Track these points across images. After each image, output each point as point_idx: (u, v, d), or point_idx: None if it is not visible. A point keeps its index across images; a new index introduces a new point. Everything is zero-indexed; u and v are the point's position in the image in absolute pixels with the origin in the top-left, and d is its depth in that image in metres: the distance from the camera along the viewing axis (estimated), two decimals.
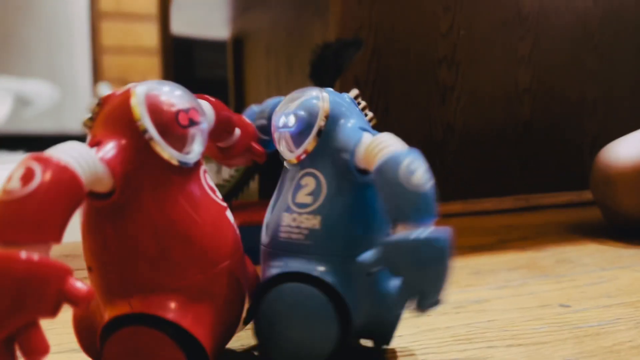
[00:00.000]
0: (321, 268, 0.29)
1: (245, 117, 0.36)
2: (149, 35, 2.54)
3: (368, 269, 0.27)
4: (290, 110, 0.31)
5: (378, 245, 0.27)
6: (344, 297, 0.29)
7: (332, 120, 0.30)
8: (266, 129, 0.36)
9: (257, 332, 0.31)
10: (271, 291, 0.30)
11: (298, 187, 0.31)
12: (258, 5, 1.03)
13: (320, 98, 0.31)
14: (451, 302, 0.43)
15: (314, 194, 0.30)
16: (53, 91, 1.88)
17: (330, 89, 0.32)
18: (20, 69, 2.32)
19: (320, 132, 0.30)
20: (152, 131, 0.26)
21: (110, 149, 0.25)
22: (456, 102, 0.84)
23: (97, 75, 2.52)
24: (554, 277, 0.50)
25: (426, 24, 0.81)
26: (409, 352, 0.34)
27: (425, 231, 0.26)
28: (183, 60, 2.25)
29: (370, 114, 0.32)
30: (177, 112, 0.27)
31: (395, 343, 0.35)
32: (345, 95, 0.32)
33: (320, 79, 0.63)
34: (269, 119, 0.35)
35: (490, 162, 0.87)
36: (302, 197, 0.30)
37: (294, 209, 0.30)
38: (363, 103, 0.33)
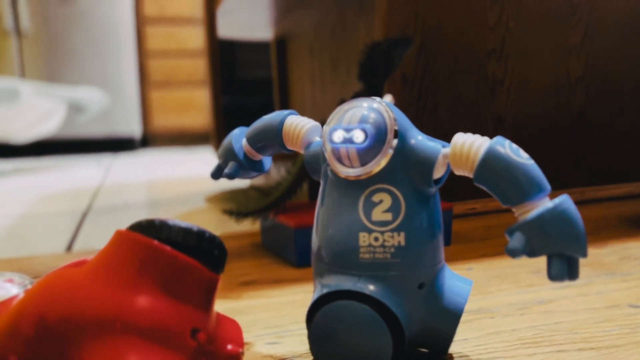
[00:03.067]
0: (371, 286, 0.30)
1: (235, 139, 0.36)
2: (193, 38, 2.58)
3: (518, 255, 0.27)
4: (351, 125, 0.30)
5: (516, 230, 0.27)
6: (394, 311, 0.29)
7: (402, 134, 0.30)
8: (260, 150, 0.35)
9: (313, 350, 0.31)
10: (323, 309, 0.30)
11: (371, 204, 0.30)
12: (301, 6, 1.04)
13: (382, 111, 0.30)
14: (514, 303, 0.43)
15: (393, 210, 0.30)
16: (102, 97, 1.93)
17: (378, 99, 0.31)
18: (72, 76, 2.40)
19: (393, 147, 0.30)
20: None
21: None
22: (506, 95, 0.82)
23: (143, 79, 2.58)
24: (619, 276, 0.49)
25: (474, 17, 0.80)
26: (476, 357, 0.34)
27: (556, 199, 0.26)
28: (227, 61, 2.27)
29: None
30: None
31: (460, 347, 0.35)
32: (383, 101, 0.31)
33: (369, 80, 0.62)
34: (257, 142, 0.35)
35: (543, 155, 0.85)
36: (380, 214, 0.30)
37: (374, 227, 0.30)
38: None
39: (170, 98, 2.62)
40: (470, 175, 0.29)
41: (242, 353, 0.29)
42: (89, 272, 0.27)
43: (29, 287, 0.32)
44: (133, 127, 2.51)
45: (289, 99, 1.26)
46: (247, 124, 0.36)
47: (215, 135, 1.19)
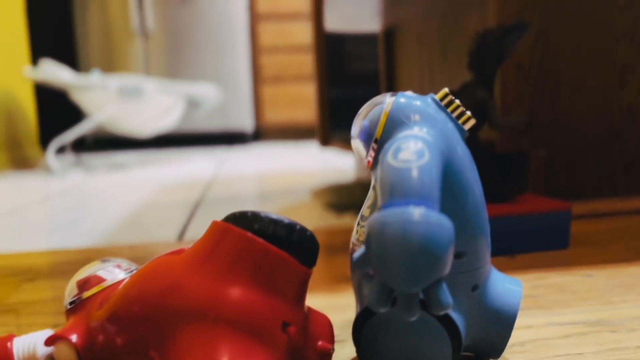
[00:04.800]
0: None
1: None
2: (303, 33, 2.62)
3: (357, 267, 0.24)
4: (360, 118, 0.30)
5: None
6: (454, 319, 0.27)
7: (387, 129, 0.28)
8: None
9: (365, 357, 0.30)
10: (377, 317, 0.28)
11: (367, 199, 0.30)
12: None
13: (384, 106, 0.29)
14: None
15: (372, 207, 0.29)
16: (217, 92, 2.02)
17: (410, 93, 0.30)
18: (190, 73, 2.54)
19: (377, 142, 0.28)
20: None
21: None
22: (638, 83, 0.74)
23: (256, 74, 2.67)
24: None
25: None
26: None
27: (386, 210, 0.22)
28: (335, 55, 2.29)
29: (466, 114, 0.29)
30: None
31: None
32: (428, 97, 0.29)
33: (480, 69, 0.59)
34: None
35: None
36: (365, 210, 0.30)
37: (358, 221, 0.30)
38: (455, 102, 0.29)
39: (281, 93, 2.68)
40: None
41: (333, 350, 0.28)
42: (185, 260, 0.28)
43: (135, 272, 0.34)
44: (245, 122, 2.60)
45: (396, 90, 1.24)
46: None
47: (320, 129, 1.19)
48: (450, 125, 0.29)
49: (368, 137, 0.29)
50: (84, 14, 2.50)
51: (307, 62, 2.64)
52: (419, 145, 0.25)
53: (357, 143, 0.31)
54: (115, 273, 0.34)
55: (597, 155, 0.74)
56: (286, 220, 0.27)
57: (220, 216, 1.02)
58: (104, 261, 0.35)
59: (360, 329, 0.29)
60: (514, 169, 0.62)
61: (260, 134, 2.76)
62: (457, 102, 0.29)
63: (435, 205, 0.23)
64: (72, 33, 2.58)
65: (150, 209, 1.00)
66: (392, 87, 1.25)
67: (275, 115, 2.69)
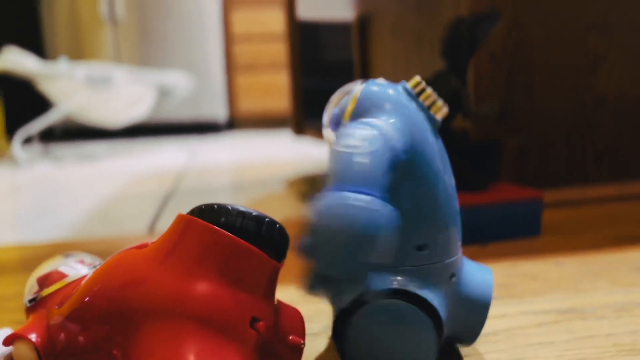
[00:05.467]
0: (413, 283, 0.28)
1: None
2: (277, 22, 2.60)
3: (302, 253, 0.25)
4: (331, 106, 0.30)
5: None
6: (437, 309, 0.27)
7: (355, 117, 0.28)
8: None
9: (349, 354, 0.29)
10: (364, 310, 0.28)
11: None
12: None
13: (353, 94, 0.28)
14: (610, 304, 0.38)
15: None
16: (190, 81, 1.99)
17: (381, 81, 0.29)
18: (161, 61, 2.49)
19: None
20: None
21: None
22: (609, 72, 0.75)
23: (229, 63, 2.64)
24: None
25: None
26: None
27: (324, 197, 0.23)
28: (309, 44, 2.27)
29: (438, 103, 0.29)
30: None
31: (546, 351, 0.32)
32: (399, 86, 0.29)
33: (453, 57, 0.58)
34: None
35: None
36: None
37: None
38: (427, 91, 0.29)
39: (255, 82, 2.66)
40: None
41: (304, 344, 0.27)
42: (149, 254, 0.27)
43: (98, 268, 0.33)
44: (218, 111, 2.57)
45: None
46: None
47: (294, 118, 1.18)
48: (421, 115, 0.28)
49: (338, 126, 0.29)
50: (50, 0, 2.43)
51: (281, 51, 2.62)
52: (369, 132, 0.25)
53: (328, 132, 0.30)
54: (77, 268, 0.32)
55: (569, 143, 0.75)
56: (254, 213, 0.26)
57: (191, 208, 1.00)
58: (66, 256, 0.34)
59: (343, 326, 0.28)
60: (488, 157, 0.62)
61: (234, 123, 2.73)
62: (430, 91, 0.29)
63: (374, 192, 0.23)
64: (38, 20, 2.51)
65: (121, 201, 0.98)
66: (367, 77, 1.25)
67: (249, 104, 2.67)
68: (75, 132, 2.45)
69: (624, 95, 0.75)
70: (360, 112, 0.28)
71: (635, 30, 0.75)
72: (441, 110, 0.29)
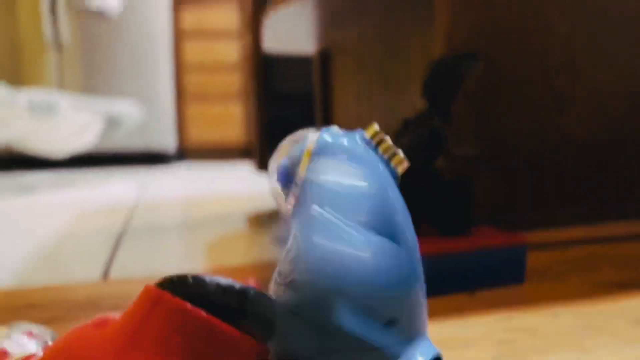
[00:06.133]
0: None
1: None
2: (230, 52, 2.57)
3: None
4: (278, 156, 0.27)
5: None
6: None
7: (310, 171, 0.25)
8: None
9: None
10: None
11: (286, 251, 0.26)
12: (348, 17, 0.99)
13: (307, 146, 0.26)
14: None
15: (294, 261, 0.25)
16: (139, 110, 1.92)
17: (335, 130, 0.27)
18: (109, 89, 2.41)
19: (298, 184, 0.26)
20: None
21: None
22: (577, 113, 0.75)
23: (179, 92, 2.58)
24: None
25: (540, 27, 0.73)
26: None
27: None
28: (266, 75, 2.25)
29: (399, 156, 0.26)
30: None
31: None
32: (356, 135, 0.27)
33: (435, 98, 0.57)
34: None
35: (619, 178, 0.77)
36: (284, 264, 0.25)
37: (275, 278, 0.26)
38: (386, 142, 0.26)
39: (206, 112, 2.60)
40: None
41: None
42: (108, 338, 0.22)
43: (49, 343, 0.28)
44: (168, 141, 2.50)
45: (332, 114, 1.21)
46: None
47: (258, 152, 1.15)
48: (381, 167, 0.26)
49: (288, 179, 0.26)
50: None
51: (233, 81, 2.58)
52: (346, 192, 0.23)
53: (275, 185, 0.27)
54: (23, 344, 0.28)
55: (538, 182, 0.74)
56: (237, 286, 0.22)
57: (147, 249, 0.95)
58: (10, 327, 0.29)
59: None
60: (464, 199, 0.60)
61: (184, 153, 2.66)
62: (389, 142, 0.26)
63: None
64: None
65: (68, 240, 0.90)
66: (328, 111, 1.23)
67: (199, 134, 2.61)
68: (15, 161, 2.31)
69: (590, 131, 0.76)
70: (316, 165, 0.25)
71: (602, 72, 0.76)
72: (402, 164, 0.26)
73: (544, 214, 0.74)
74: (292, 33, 1.07)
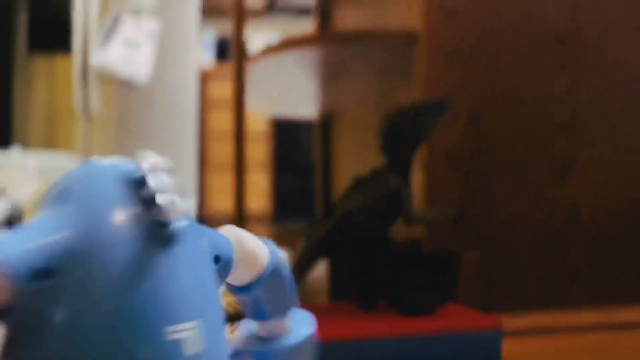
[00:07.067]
0: None
1: None
2: (258, 122, 2.59)
3: None
4: None
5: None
6: None
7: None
8: None
9: None
10: None
11: None
12: (342, 78, 0.95)
13: None
14: None
15: None
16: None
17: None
18: (133, 154, 2.45)
19: None
20: None
21: None
22: (580, 178, 0.67)
23: (203, 161, 2.60)
24: None
25: (537, 85, 0.66)
26: None
27: None
28: (291, 145, 2.23)
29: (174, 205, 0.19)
30: None
31: None
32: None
33: (394, 153, 0.50)
34: None
35: (632, 257, 0.67)
36: None
37: None
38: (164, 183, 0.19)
39: (229, 180, 2.62)
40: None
41: None
42: None
43: None
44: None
45: (332, 181, 1.16)
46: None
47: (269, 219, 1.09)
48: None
49: None
50: (26, 91, 2.42)
51: (259, 151, 2.59)
52: None
53: None
54: None
55: (538, 259, 0.65)
56: None
57: None
58: None
59: None
60: (439, 273, 0.51)
61: (203, 221, 2.65)
62: (166, 184, 0.20)
63: None
64: (10, 110, 2.49)
65: None
66: (328, 178, 1.18)
67: (220, 202, 2.60)
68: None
69: (597, 203, 0.66)
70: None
71: (606, 133, 0.68)
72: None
73: (545, 294, 0.64)
74: (292, 99, 1.05)
